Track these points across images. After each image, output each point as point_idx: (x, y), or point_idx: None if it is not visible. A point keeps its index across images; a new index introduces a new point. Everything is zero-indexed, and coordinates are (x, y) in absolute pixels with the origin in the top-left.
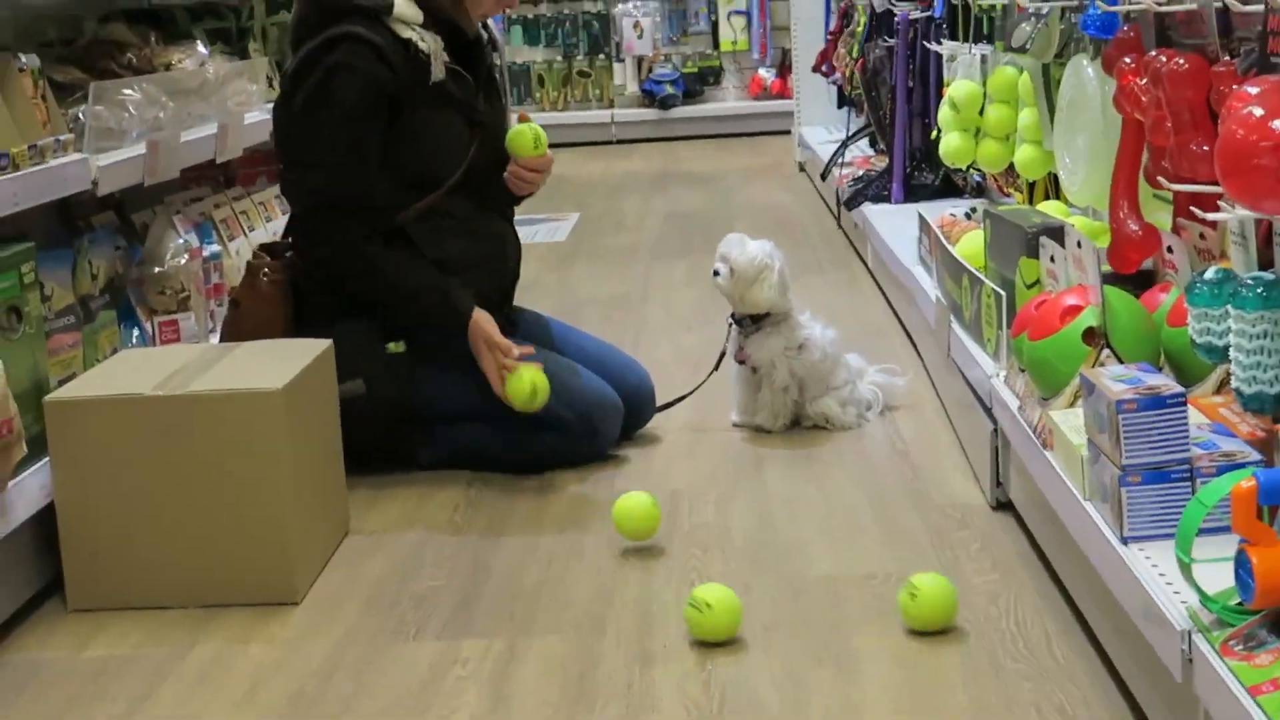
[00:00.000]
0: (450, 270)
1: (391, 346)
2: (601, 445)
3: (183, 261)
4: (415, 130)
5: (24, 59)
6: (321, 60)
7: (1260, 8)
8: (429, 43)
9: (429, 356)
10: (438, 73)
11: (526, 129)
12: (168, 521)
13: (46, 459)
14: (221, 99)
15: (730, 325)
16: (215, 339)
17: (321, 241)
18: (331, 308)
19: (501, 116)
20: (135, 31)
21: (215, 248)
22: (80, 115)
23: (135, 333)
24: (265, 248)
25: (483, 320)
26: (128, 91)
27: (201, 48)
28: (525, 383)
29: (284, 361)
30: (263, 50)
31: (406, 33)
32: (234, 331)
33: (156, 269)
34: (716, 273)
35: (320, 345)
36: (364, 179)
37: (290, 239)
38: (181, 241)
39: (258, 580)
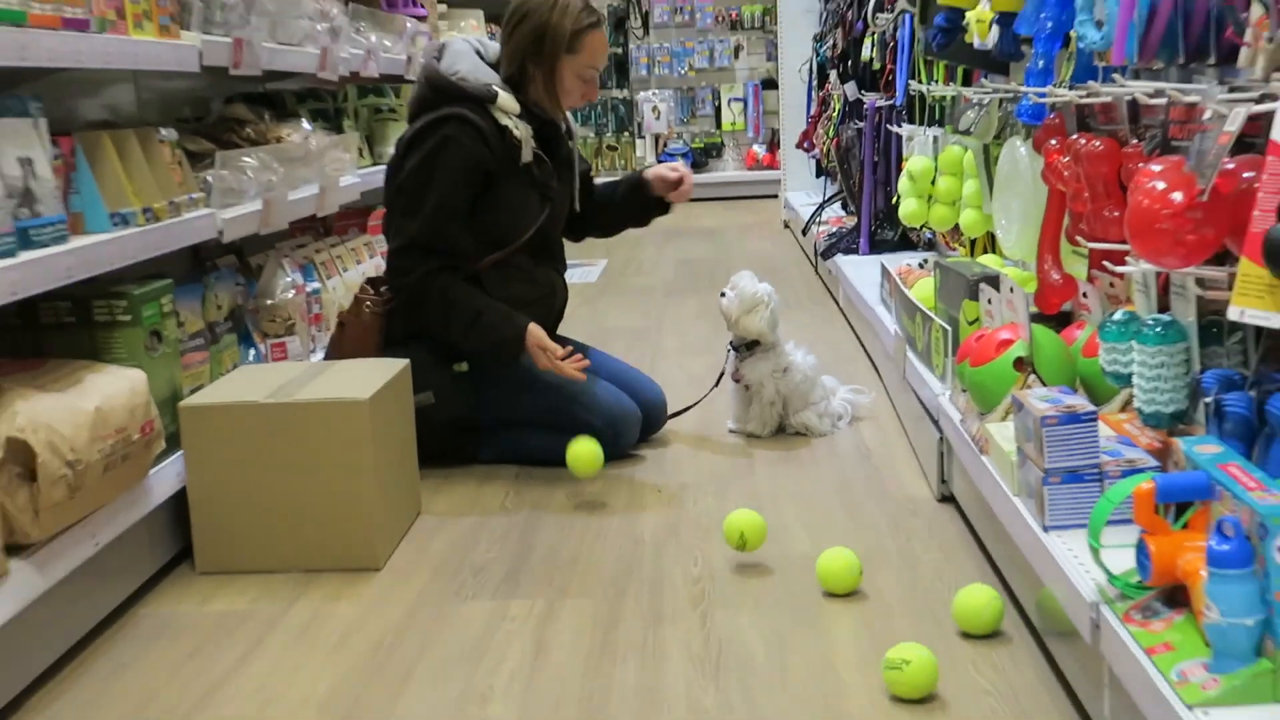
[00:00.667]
0: (523, 298)
1: (457, 367)
2: (623, 446)
3: (290, 296)
4: (499, 201)
5: (164, 132)
6: (435, 132)
7: (1163, 101)
8: (521, 131)
9: (488, 375)
10: (525, 156)
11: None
12: (276, 502)
13: (180, 453)
14: (321, 166)
15: (729, 351)
16: (316, 358)
17: (407, 274)
18: (413, 332)
19: (569, 190)
20: (253, 111)
21: (315, 285)
22: (209, 178)
23: (251, 352)
24: (370, 281)
25: (535, 330)
26: (246, 159)
27: (305, 124)
28: (588, 454)
29: (370, 377)
30: (354, 127)
31: (505, 120)
32: (337, 348)
33: (269, 301)
34: (724, 294)
35: (399, 364)
36: (451, 231)
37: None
38: (289, 279)
39: (347, 550)
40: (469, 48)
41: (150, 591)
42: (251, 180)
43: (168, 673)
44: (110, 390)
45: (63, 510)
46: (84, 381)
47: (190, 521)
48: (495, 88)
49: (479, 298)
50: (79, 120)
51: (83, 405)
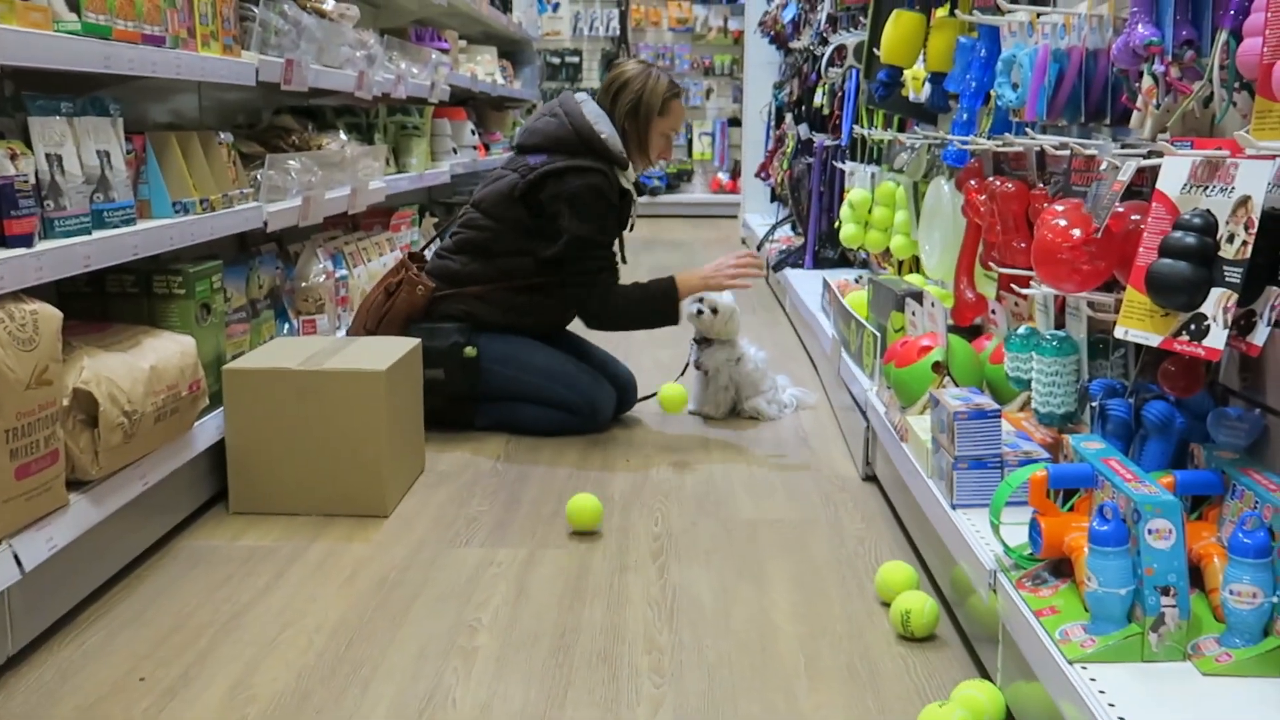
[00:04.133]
0: (533, 310)
1: (467, 351)
2: (600, 422)
3: (321, 280)
4: None
5: (222, 135)
6: (583, 176)
7: (1066, 152)
8: (631, 191)
9: (490, 358)
10: (628, 214)
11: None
12: (301, 454)
13: (221, 409)
14: (354, 171)
15: (692, 344)
16: (342, 333)
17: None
18: (436, 318)
19: (620, 238)
20: (298, 121)
21: (343, 272)
22: (258, 176)
23: (286, 326)
24: (411, 256)
25: (682, 281)
26: (291, 162)
27: (342, 135)
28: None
29: (387, 352)
30: (383, 140)
31: (624, 183)
32: (378, 313)
33: (303, 284)
34: (700, 312)
35: (411, 343)
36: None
37: (429, 254)
38: (321, 266)
39: (360, 498)
40: (603, 111)
41: (189, 526)
42: (294, 180)
43: (202, 596)
44: (164, 352)
45: (118, 453)
46: (142, 344)
47: (226, 468)
48: (625, 155)
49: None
50: (150, 121)
51: (140, 364)
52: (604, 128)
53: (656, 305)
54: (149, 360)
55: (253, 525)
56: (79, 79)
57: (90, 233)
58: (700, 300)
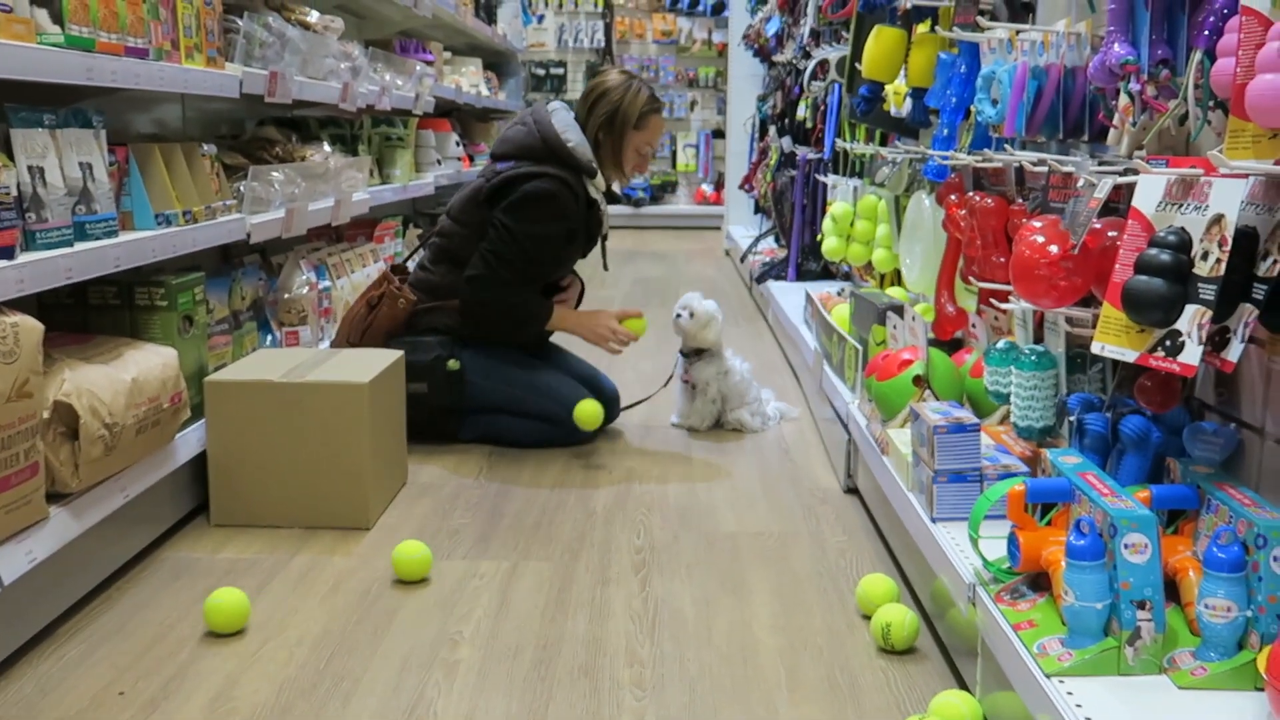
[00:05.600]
0: (527, 320)
1: (450, 364)
2: (583, 434)
3: (304, 292)
4: (559, 255)
5: (205, 147)
6: (541, 185)
7: (1044, 169)
8: (599, 200)
9: (473, 370)
10: (596, 222)
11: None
12: (283, 467)
13: (203, 421)
14: (338, 183)
15: (679, 357)
16: (324, 345)
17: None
18: (419, 331)
19: (594, 246)
20: (282, 133)
21: (327, 283)
22: (241, 188)
23: (269, 338)
24: (394, 269)
25: (559, 310)
26: (274, 173)
27: (326, 146)
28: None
29: (370, 365)
30: (367, 151)
31: (592, 192)
32: (361, 325)
33: (286, 295)
34: (679, 316)
35: (394, 355)
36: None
37: (411, 266)
38: (305, 278)
39: (342, 511)
40: (573, 118)
41: (170, 539)
42: (277, 192)
43: (183, 609)
44: (146, 364)
45: (99, 465)
46: (124, 356)
47: (208, 480)
48: (594, 164)
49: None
50: (133, 132)
51: (121, 376)
52: (572, 136)
53: (524, 317)
54: (130, 372)
55: (234, 538)
56: (63, 90)
57: (72, 244)
58: (683, 306)
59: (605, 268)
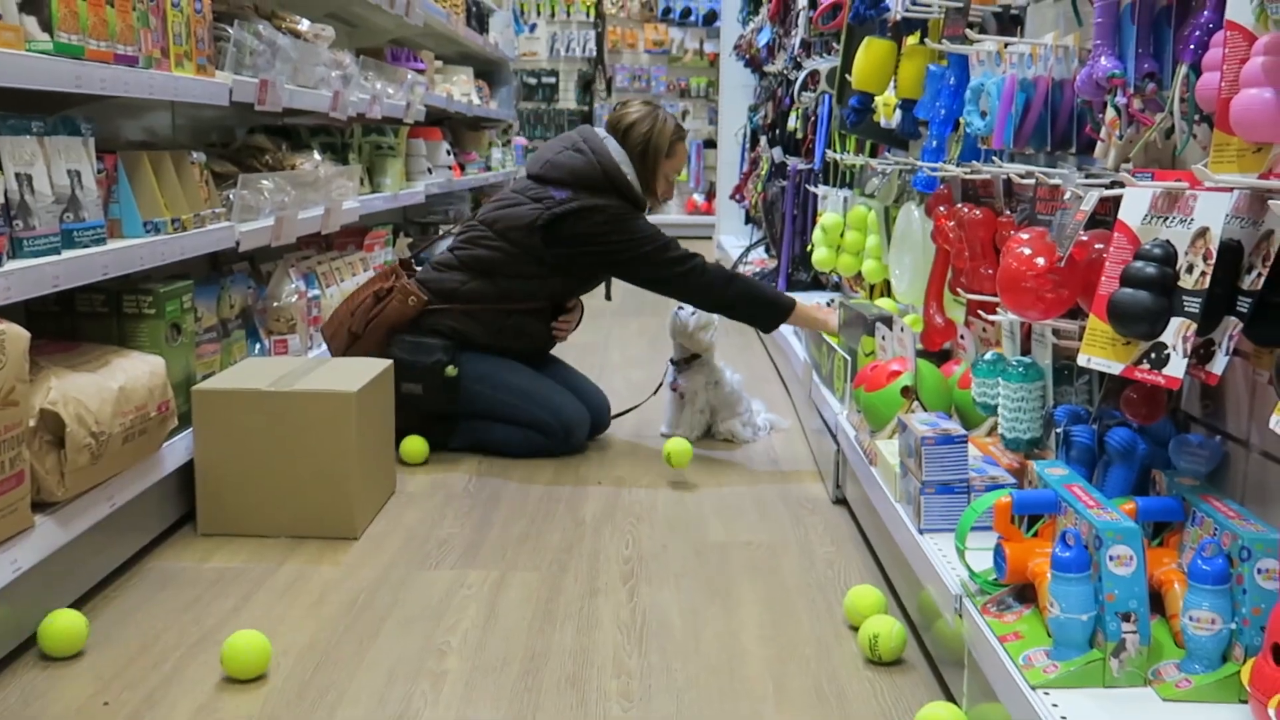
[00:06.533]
0: (520, 334)
1: (448, 370)
2: (574, 444)
3: (294, 300)
4: (594, 280)
5: (195, 155)
6: (605, 214)
7: (1032, 181)
8: None
9: (468, 377)
10: None
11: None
12: (270, 476)
13: (190, 429)
14: (328, 191)
15: (670, 365)
16: (314, 354)
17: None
18: (423, 331)
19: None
20: (272, 141)
21: (316, 292)
22: (231, 196)
23: (257, 346)
24: (403, 263)
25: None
26: (264, 182)
27: (316, 155)
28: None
29: (358, 373)
30: (357, 160)
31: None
32: (365, 316)
33: (275, 303)
34: (680, 310)
35: (383, 364)
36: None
37: (429, 264)
38: (294, 286)
39: (330, 520)
40: (625, 152)
41: (157, 548)
42: (267, 200)
43: (169, 618)
44: (133, 373)
45: (85, 474)
46: (111, 364)
47: (195, 489)
48: (644, 198)
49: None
50: (122, 140)
51: (108, 384)
52: (628, 170)
53: (765, 304)
54: (117, 380)
55: (221, 547)
56: (52, 98)
57: (60, 252)
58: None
59: (608, 297)
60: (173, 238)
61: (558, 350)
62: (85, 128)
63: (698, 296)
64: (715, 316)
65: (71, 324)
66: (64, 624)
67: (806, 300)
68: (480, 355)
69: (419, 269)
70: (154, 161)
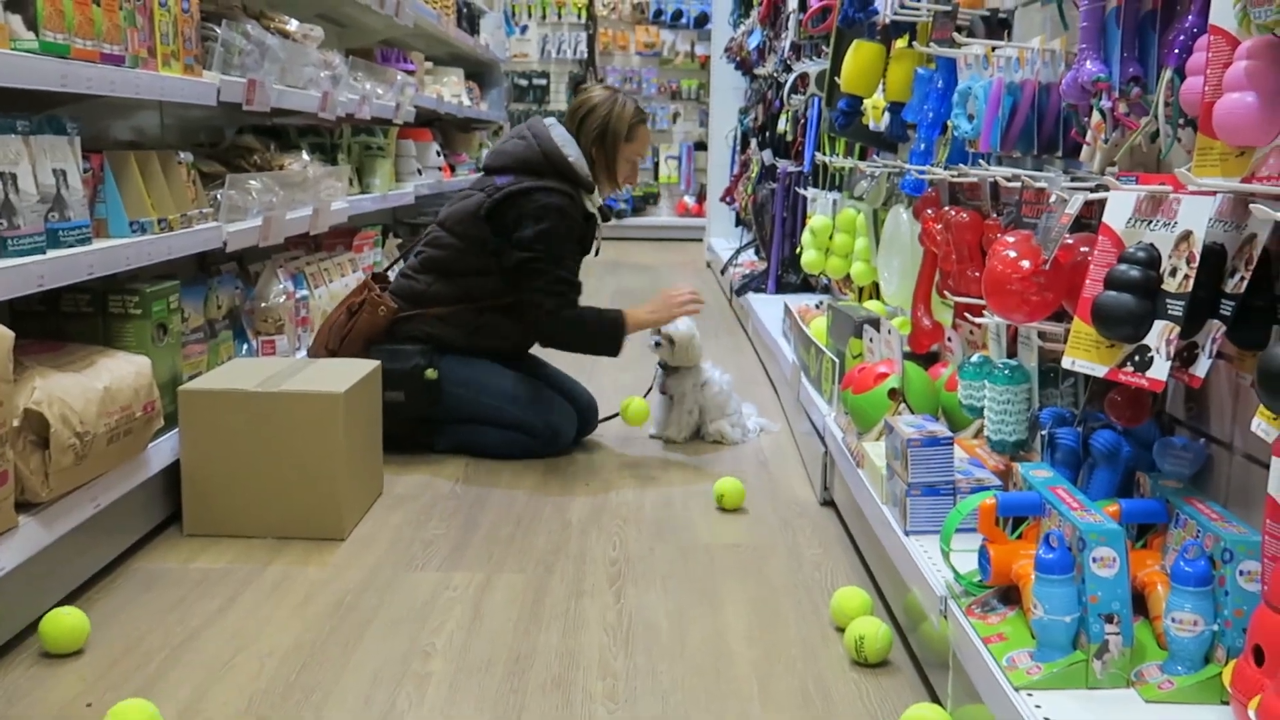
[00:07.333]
0: (494, 333)
1: (428, 374)
2: (560, 445)
3: (282, 300)
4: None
5: (182, 155)
6: (546, 196)
7: (1018, 184)
8: (595, 215)
9: (451, 380)
10: (592, 237)
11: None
12: (257, 477)
13: (176, 430)
14: (316, 192)
15: (658, 368)
16: (302, 354)
17: (564, 304)
18: (398, 339)
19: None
20: (260, 141)
21: (304, 292)
22: (218, 196)
23: (245, 347)
24: (375, 278)
25: (630, 316)
26: (252, 182)
27: (305, 155)
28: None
29: (346, 374)
30: (346, 160)
31: (589, 207)
32: (340, 333)
33: (263, 304)
34: (658, 344)
35: (371, 365)
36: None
37: (393, 274)
38: (282, 287)
39: (316, 521)
40: (571, 135)
41: (142, 549)
42: (255, 200)
43: (154, 619)
44: (119, 373)
45: (70, 475)
46: (96, 364)
47: (181, 489)
48: (591, 179)
49: (597, 312)
50: (109, 140)
51: (93, 384)
52: (571, 151)
53: (603, 335)
54: (103, 381)
55: (207, 548)
56: (38, 97)
57: (45, 252)
58: (658, 333)
59: (595, 252)
60: (159, 238)
61: (545, 351)
62: (71, 127)
63: (545, 328)
64: (694, 333)
65: (57, 324)
66: (69, 622)
67: (796, 302)
68: (462, 360)
69: (393, 280)
70: (141, 161)
